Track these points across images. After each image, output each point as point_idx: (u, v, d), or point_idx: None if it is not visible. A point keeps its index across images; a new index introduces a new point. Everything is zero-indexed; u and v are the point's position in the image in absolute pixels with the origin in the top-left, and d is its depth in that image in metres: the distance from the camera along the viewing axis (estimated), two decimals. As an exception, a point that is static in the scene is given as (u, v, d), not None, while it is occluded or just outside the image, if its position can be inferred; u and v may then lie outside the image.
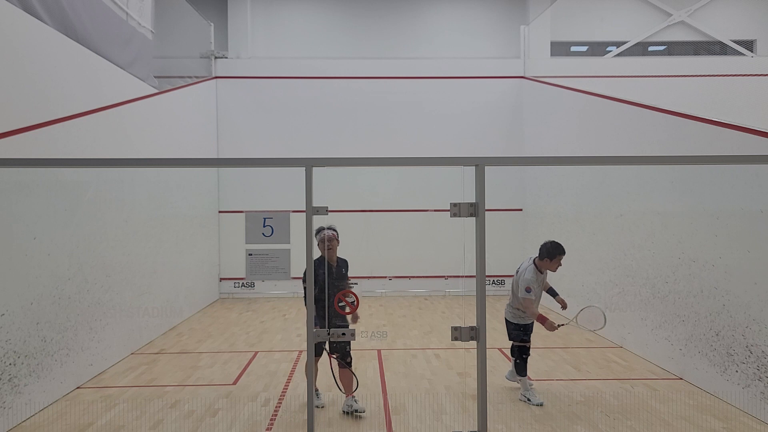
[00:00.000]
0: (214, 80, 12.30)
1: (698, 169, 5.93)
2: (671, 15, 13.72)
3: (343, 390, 5.29)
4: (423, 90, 12.52)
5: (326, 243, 5.18)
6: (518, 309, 5.71)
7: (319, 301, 4.86)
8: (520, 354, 5.69)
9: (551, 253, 5.56)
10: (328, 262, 5.23)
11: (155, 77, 9.32)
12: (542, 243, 5.68)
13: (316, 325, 4.39)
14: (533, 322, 5.75)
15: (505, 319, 5.84)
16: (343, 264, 5.41)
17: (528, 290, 5.55)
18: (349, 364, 5.24)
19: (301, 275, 4.37)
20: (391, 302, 11.41)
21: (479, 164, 3.51)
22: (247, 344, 8.02)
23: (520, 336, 5.72)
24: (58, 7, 6.48)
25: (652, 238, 6.82)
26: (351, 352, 5.27)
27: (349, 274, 5.46)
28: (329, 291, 4.94)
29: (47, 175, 5.57)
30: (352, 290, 4.69)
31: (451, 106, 12.51)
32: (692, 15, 13.74)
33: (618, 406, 5.43)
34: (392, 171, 12.03)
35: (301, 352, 7.45)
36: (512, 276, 5.99)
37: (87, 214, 6.37)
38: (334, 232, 5.24)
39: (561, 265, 5.65)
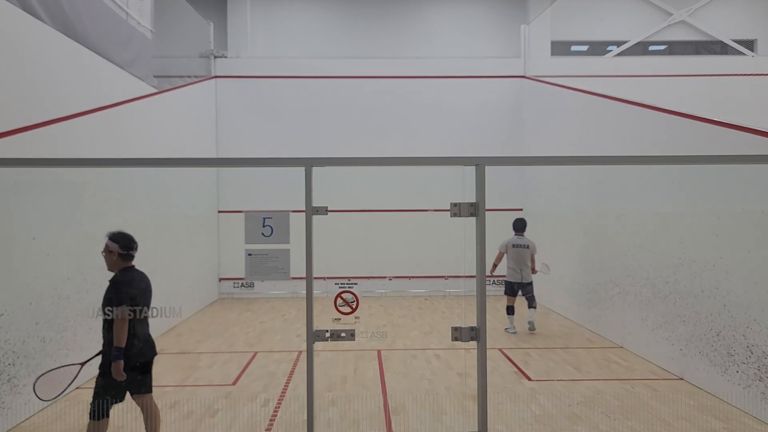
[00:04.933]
0: (214, 80, 12.28)
1: (698, 169, 5.91)
2: (672, 14, 13.72)
3: None
4: (423, 90, 12.49)
5: None
6: (528, 268, 8.51)
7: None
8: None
9: None
10: None
11: (155, 77, 9.31)
12: (520, 219, 8.81)
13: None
14: None
15: (531, 282, 8.51)
16: (115, 280, 4.23)
17: None
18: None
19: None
20: (391, 302, 11.40)
21: (479, 164, 3.50)
22: (246, 344, 8.01)
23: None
24: (58, 7, 6.47)
25: (652, 238, 6.81)
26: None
27: (349, 275, 4.82)
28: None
29: (47, 175, 5.56)
30: (352, 290, 4.52)
31: (451, 105, 12.48)
32: (693, 14, 13.74)
33: (618, 407, 5.42)
34: (392, 171, 12.01)
35: (300, 352, 7.44)
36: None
37: (86, 214, 6.36)
38: (109, 242, 4.30)
39: None
